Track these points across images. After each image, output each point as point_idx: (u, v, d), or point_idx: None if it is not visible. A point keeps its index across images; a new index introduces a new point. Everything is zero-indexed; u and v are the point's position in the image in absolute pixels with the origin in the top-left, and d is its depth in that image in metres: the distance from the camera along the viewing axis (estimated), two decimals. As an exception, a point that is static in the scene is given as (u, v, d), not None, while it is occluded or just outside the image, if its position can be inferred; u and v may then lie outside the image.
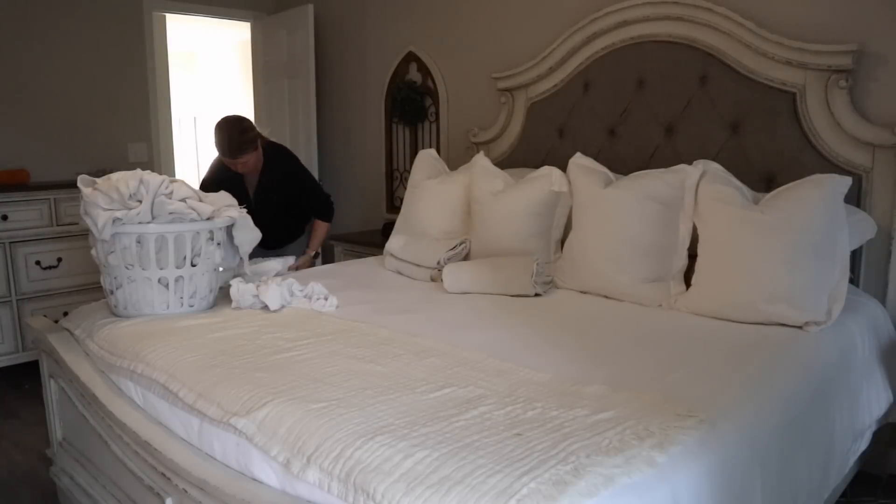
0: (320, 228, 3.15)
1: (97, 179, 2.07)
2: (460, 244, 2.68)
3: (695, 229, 2.26)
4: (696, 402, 1.42)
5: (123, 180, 2.00)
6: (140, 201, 2.00)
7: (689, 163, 2.33)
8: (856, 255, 2.32)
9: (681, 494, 1.18)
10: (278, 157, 3.03)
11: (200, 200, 2.16)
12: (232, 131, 2.82)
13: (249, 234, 2.30)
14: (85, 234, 2.16)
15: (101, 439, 1.81)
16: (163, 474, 1.49)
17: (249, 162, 2.86)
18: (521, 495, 1.04)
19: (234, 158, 2.81)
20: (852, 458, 1.98)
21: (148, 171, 2.07)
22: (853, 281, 2.30)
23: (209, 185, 2.88)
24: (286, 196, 3.04)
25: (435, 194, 2.97)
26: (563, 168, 2.60)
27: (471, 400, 1.41)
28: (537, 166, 2.78)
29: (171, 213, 2.03)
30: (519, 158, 3.29)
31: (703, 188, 2.23)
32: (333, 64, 4.48)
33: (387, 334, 1.88)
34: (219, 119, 2.87)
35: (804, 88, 2.42)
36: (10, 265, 3.46)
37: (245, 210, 2.26)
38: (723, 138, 2.61)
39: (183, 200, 2.07)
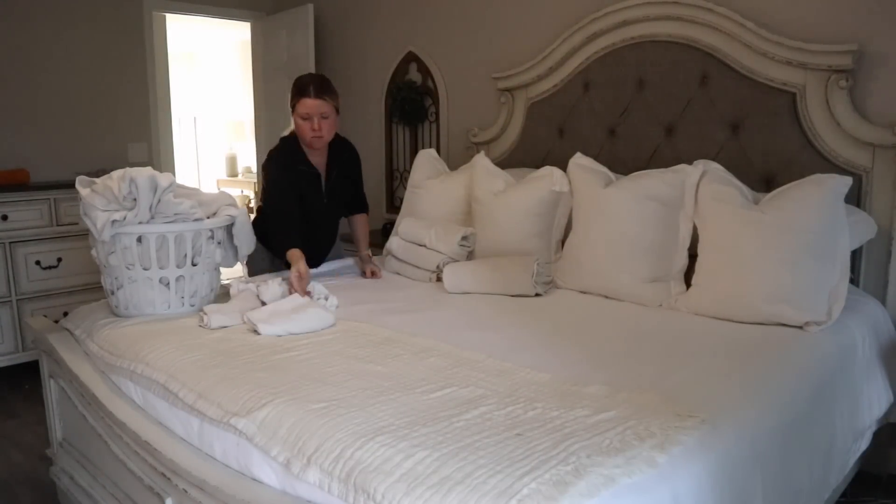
0: (364, 224, 2.88)
1: (96, 180, 2.06)
2: (465, 237, 2.67)
3: (695, 229, 2.26)
4: (696, 402, 1.42)
5: (117, 181, 1.99)
6: (136, 200, 1.99)
7: (689, 163, 2.34)
8: (856, 255, 2.32)
9: (681, 495, 1.18)
10: (339, 142, 2.72)
11: (199, 200, 2.16)
12: (322, 76, 2.57)
13: (249, 234, 2.30)
14: (85, 234, 2.16)
15: (101, 439, 1.81)
16: (163, 474, 1.49)
17: (329, 120, 2.50)
18: (522, 495, 1.04)
19: (321, 97, 2.45)
20: (852, 458, 1.98)
21: (138, 169, 2.02)
22: (853, 281, 2.29)
23: (287, 181, 2.54)
24: (346, 187, 2.77)
25: (435, 194, 2.97)
26: (563, 168, 2.61)
27: (471, 400, 1.41)
28: (537, 166, 2.78)
29: (176, 214, 2.03)
30: (519, 158, 3.29)
31: (703, 188, 2.23)
32: (333, 64, 4.48)
33: (387, 334, 1.88)
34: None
35: (804, 88, 2.42)
36: (10, 265, 3.45)
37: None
38: (723, 138, 2.61)
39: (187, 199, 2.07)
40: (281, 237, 2.48)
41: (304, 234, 2.54)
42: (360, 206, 2.90)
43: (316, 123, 2.47)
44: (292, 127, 2.62)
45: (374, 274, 2.71)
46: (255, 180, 5.99)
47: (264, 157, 2.72)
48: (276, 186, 2.56)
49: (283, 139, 2.66)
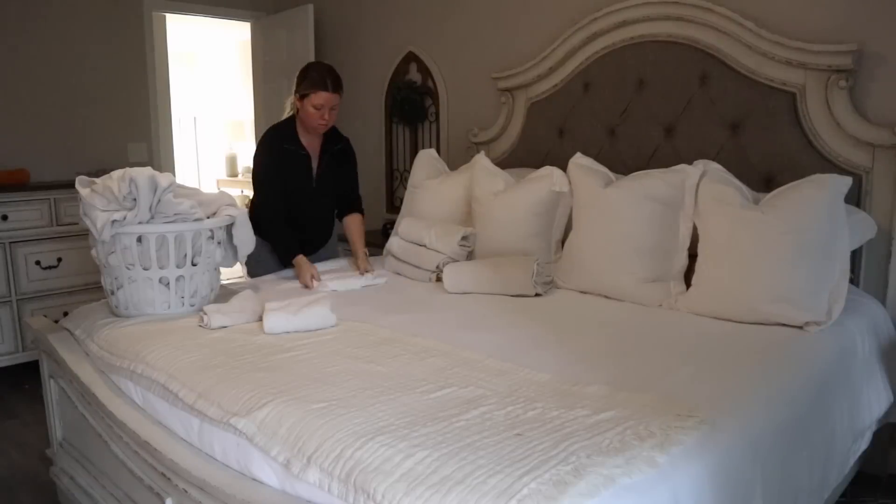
0: (360, 223, 2.89)
1: (96, 180, 2.07)
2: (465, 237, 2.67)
3: (695, 229, 2.26)
4: (696, 402, 1.42)
5: (117, 181, 1.99)
6: (135, 200, 1.98)
7: (689, 163, 2.34)
8: (856, 255, 2.32)
9: (681, 495, 1.19)
10: (335, 133, 2.81)
11: (199, 200, 2.16)
12: (333, 69, 2.66)
13: (249, 234, 2.30)
14: (85, 234, 2.16)
15: (101, 439, 1.81)
16: (163, 474, 1.49)
17: (335, 111, 2.63)
18: (522, 495, 1.04)
19: (336, 92, 2.59)
20: (852, 458, 1.98)
21: (138, 169, 2.03)
22: (853, 281, 2.29)
23: (272, 166, 2.65)
24: (338, 179, 2.82)
25: (435, 194, 2.97)
26: (563, 168, 2.61)
27: (471, 400, 1.41)
28: (537, 166, 2.78)
29: (176, 214, 2.03)
30: (519, 158, 3.29)
31: (703, 188, 2.23)
32: (333, 64, 4.46)
33: (387, 334, 1.88)
34: (309, 63, 2.77)
35: (804, 88, 2.42)
36: (10, 265, 3.45)
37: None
38: (723, 138, 2.61)
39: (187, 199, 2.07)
40: (283, 246, 2.68)
41: (293, 219, 2.69)
42: (355, 205, 2.93)
43: (326, 114, 2.60)
44: (287, 114, 2.77)
45: (366, 270, 2.71)
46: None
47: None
48: (265, 175, 2.68)
49: (276, 124, 2.77)
